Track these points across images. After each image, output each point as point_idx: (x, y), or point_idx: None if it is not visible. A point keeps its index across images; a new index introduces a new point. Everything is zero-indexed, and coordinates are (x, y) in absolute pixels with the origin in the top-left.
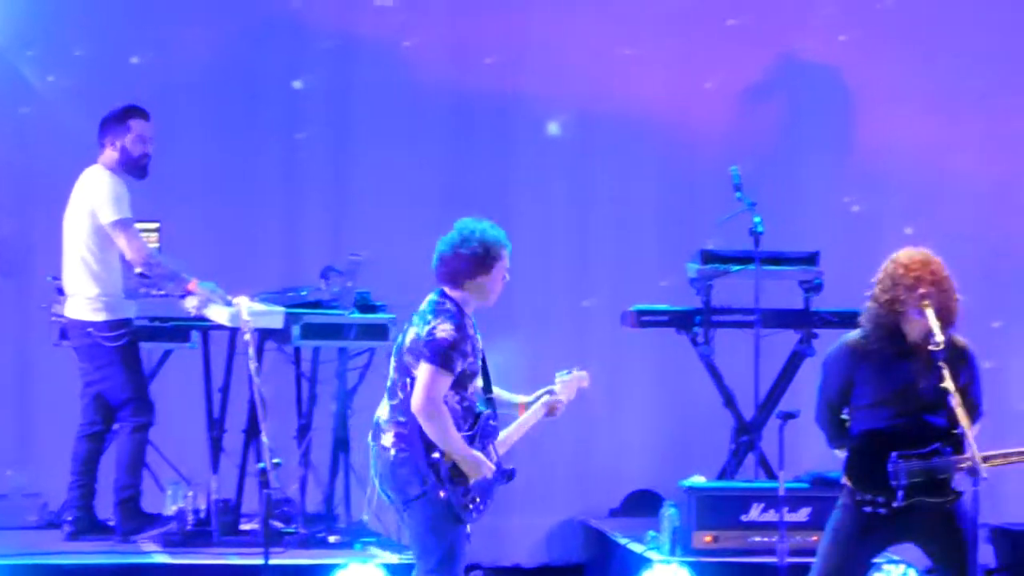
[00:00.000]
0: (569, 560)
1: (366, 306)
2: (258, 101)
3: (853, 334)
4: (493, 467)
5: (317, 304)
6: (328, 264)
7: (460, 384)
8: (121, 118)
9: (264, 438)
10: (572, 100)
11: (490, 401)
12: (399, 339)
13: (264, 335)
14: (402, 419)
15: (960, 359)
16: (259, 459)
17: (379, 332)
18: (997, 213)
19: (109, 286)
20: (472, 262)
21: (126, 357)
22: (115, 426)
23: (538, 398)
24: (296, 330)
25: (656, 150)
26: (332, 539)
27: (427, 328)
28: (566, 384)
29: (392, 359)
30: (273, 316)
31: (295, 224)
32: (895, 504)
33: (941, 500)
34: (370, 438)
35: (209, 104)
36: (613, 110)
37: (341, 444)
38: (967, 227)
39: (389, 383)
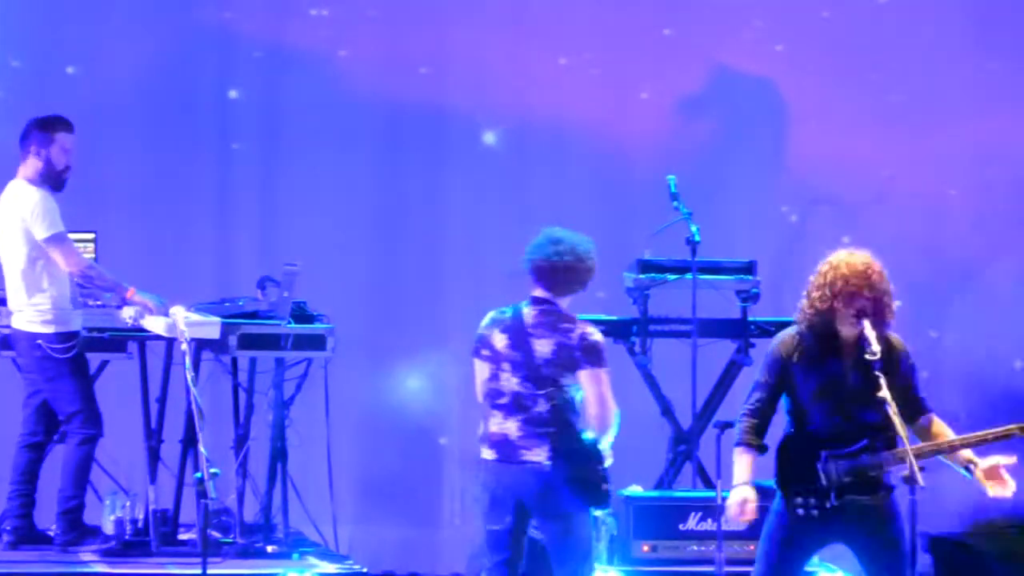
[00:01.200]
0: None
1: (303, 316)
2: (193, 111)
3: (788, 331)
4: None
5: (254, 314)
6: (264, 274)
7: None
8: (46, 128)
9: (201, 448)
10: (506, 110)
11: None
12: (512, 353)
13: (201, 345)
14: (553, 430)
15: (897, 360)
16: (196, 469)
17: (316, 342)
18: (930, 224)
19: (57, 298)
20: (590, 276)
21: (75, 369)
22: (57, 437)
23: None
24: (233, 340)
25: (591, 160)
26: (270, 549)
27: (577, 334)
28: None
29: (508, 372)
30: (210, 326)
31: (229, 234)
32: (828, 504)
33: (872, 497)
34: (491, 454)
35: (144, 114)
36: (548, 120)
37: (279, 454)
38: (901, 237)
39: (506, 400)
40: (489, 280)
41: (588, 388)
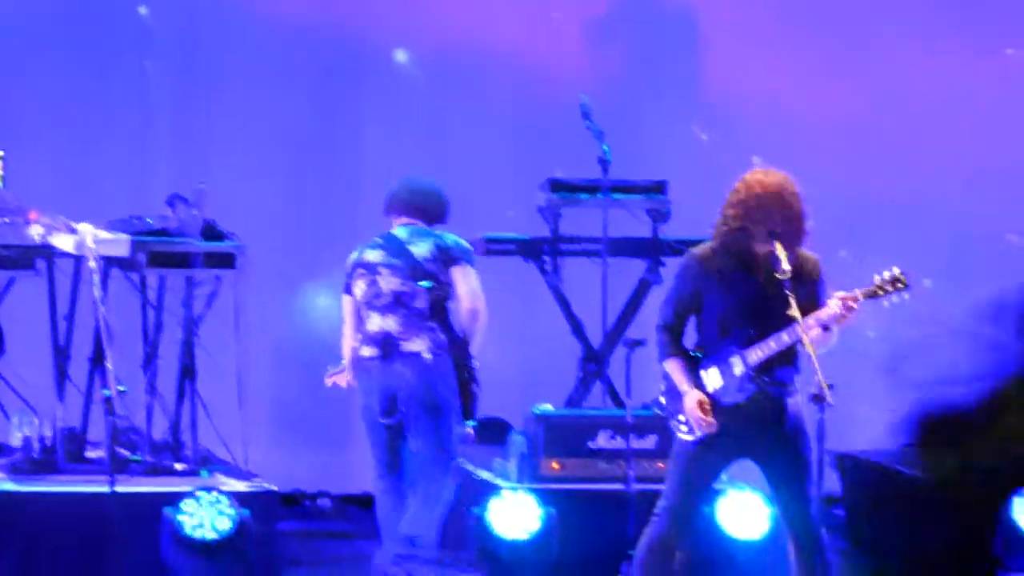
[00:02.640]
0: None
1: (213, 234)
2: (104, 27)
3: (703, 246)
4: None
5: (163, 232)
6: (174, 192)
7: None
8: None
9: (110, 366)
10: (420, 32)
11: None
12: (393, 259)
13: (110, 263)
14: (432, 324)
15: (809, 273)
16: (105, 387)
17: (226, 260)
18: (840, 146)
19: None
20: (444, 210)
21: None
22: None
23: None
24: (142, 258)
25: (505, 80)
26: (178, 467)
27: (448, 240)
28: None
29: (387, 274)
30: (119, 244)
31: (142, 153)
32: (735, 418)
33: (777, 412)
34: (370, 352)
35: (56, 31)
36: (461, 41)
37: (187, 372)
38: (810, 159)
39: (386, 300)
40: None
41: (461, 284)
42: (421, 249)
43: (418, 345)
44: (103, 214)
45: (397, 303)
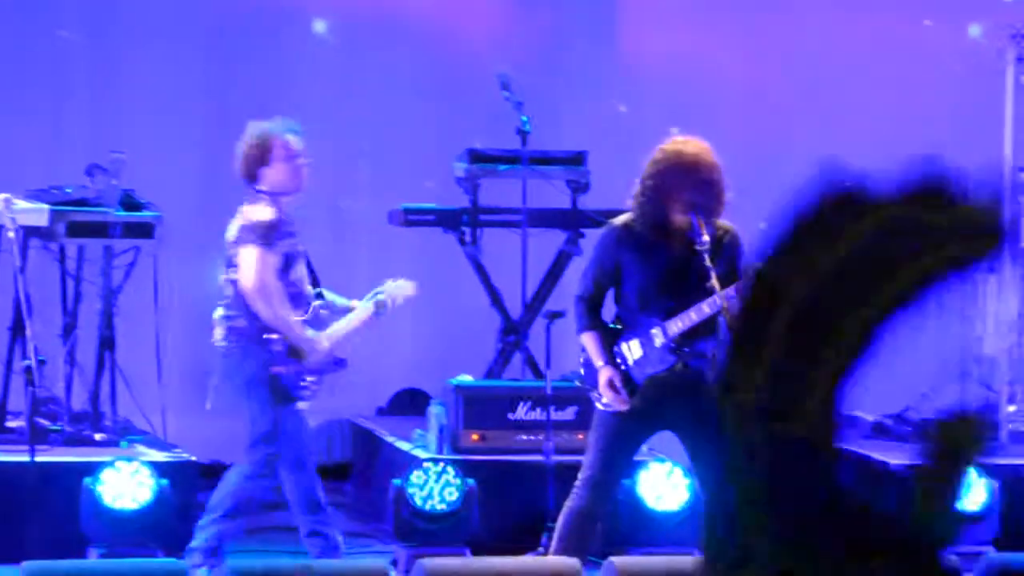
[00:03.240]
0: (336, 459)
1: (131, 204)
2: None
3: (621, 217)
4: (325, 349)
5: (82, 202)
6: (92, 162)
7: (286, 268)
8: None
9: (29, 336)
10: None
11: (320, 294)
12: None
13: (29, 233)
14: (232, 313)
15: (726, 246)
16: (24, 357)
17: (144, 230)
18: (759, 114)
19: None
20: (250, 158)
21: None
22: None
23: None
24: (61, 228)
25: (422, 49)
26: (98, 437)
27: (244, 215)
28: (397, 288)
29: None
30: (37, 213)
31: (57, 122)
32: (654, 389)
33: (696, 381)
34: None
35: None
36: (378, 8)
37: (106, 342)
38: (729, 128)
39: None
40: (317, 170)
41: (239, 265)
42: (230, 231)
43: (216, 336)
44: (20, 184)
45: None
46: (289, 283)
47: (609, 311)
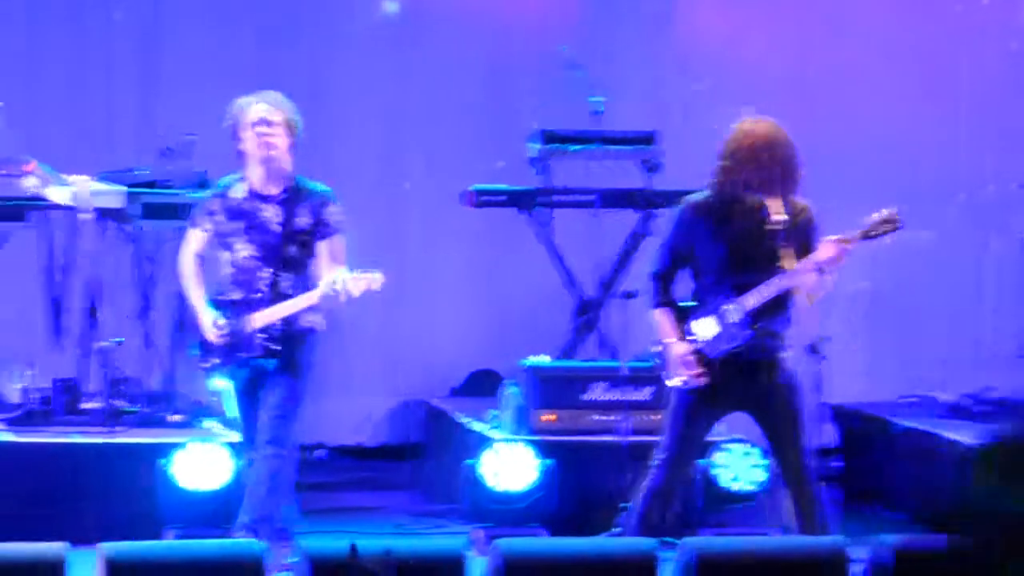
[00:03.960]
0: (411, 439)
1: (204, 185)
2: None
3: (697, 195)
4: (212, 328)
5: (156, 184)
6: (166, 144)
7: (224, 247)
8: None
9: (105, 318)
10: None
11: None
12: None
13: (104, 215)
14: None
15: (802, 221)
16: (100, 338)
17: None
18: (832, 93)
19: None
20: (230, 134)
21: None
22: None
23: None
24: (136, 210)
25: (484, 30)
26: (174, 418)
27: None
28: (354, 280)
29: None
30: (113, 196)
31: (114, 104)
32: (728, 369)
33: (770, 362)
34: None
35: None
36: None
37: (181, 323)
38: (802, 107)
39: None
40: (375, 151)
41: None
42: None
43: None
44: (94, 166)
45: None
46: (232, 263)
47: (684, 290)
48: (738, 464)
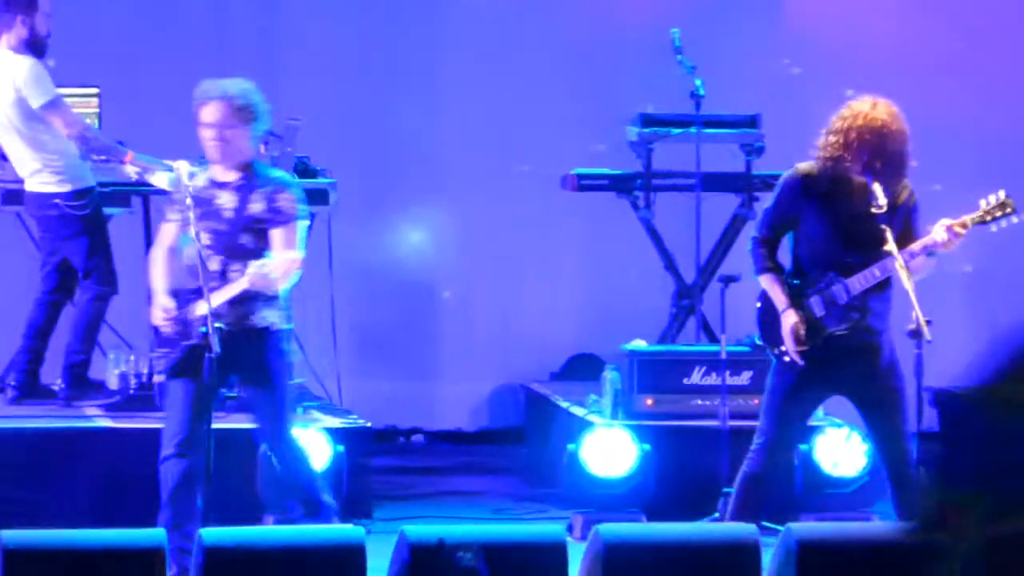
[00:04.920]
0: (510, 424)
1: (306, 171)
2: None
3: (805, 165)
4: (162, 315)
5: None
6: (267, 129)
7: (186, 235)
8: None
9: (206, 302)
10: None
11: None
12: None
13: None
14: None
15: (904, 203)
16: (202, 324)
17: (320, 197)
18: (932, 78)
19: (65, 155)
20: None
21: (92, 225)
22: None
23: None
24: None
25: (586, 12)
26: None
27: None
28: (276, 263)
29: None
30: None
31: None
32: (828, 347)
33: (871, 344)
34: None
35: None
36: None
37: None
38: (903, 90)
39: None
40: (479, 136)
41: None
42: None
43: None
44: (192, 150)
45: None
46: (190, 252)
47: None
48: (839, 449)
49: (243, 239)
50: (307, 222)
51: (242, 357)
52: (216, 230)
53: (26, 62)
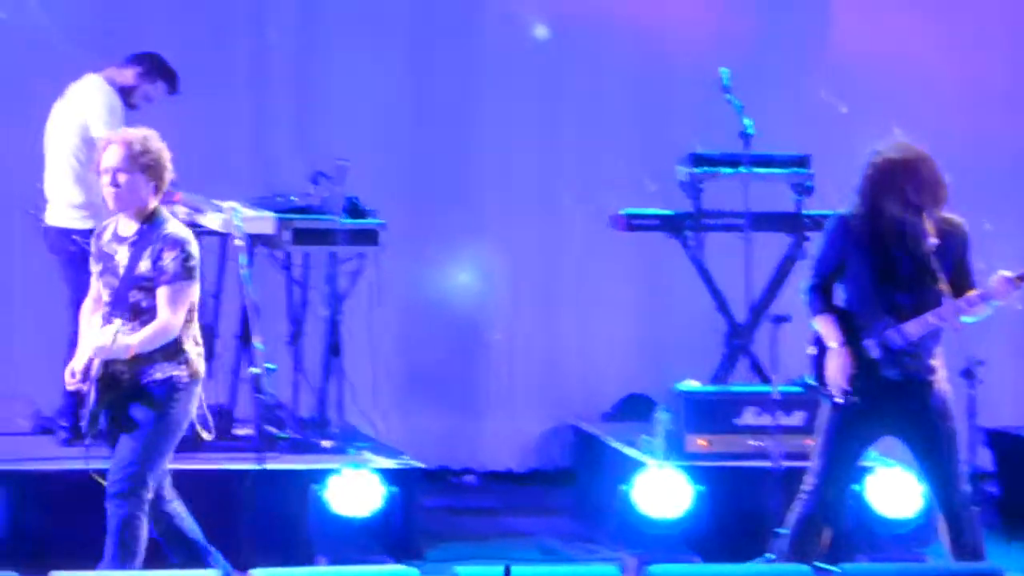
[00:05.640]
0: (561, 465)
1: (356, 211)
2: (228, 2)
3: (849, 210)
4: (68, 377)
5: (307, 209)
6: (317, 170)
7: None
8: (162, 73)
9: (256, 343)
10: (544, 3)
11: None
12: None
13: (255, 241)
14: None
15: (956, 240)
16: (252, 364)
17: (369, 237)
18: (983, 115)
19: (94, 194)
20: None
21: None
22: None
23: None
24: (287, 235)
25: (633, 50)
26: (325, 444)
27: None
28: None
29: None
30: (264, 221)
31: (265, 127)
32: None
33: (922, 385)
34: None
35: (180, 6)
36: (588, 7)
37: (333, 349)
38: (953, 129)
39: None
40: (525, 174)
41: None
42: None
43: None
44: (230, 191)
45: None
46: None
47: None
48: (893, 489)
49: (134, 296)
50: (194, 284)
51: (135, 410)
52: (113, 286)
53: (108, 93)
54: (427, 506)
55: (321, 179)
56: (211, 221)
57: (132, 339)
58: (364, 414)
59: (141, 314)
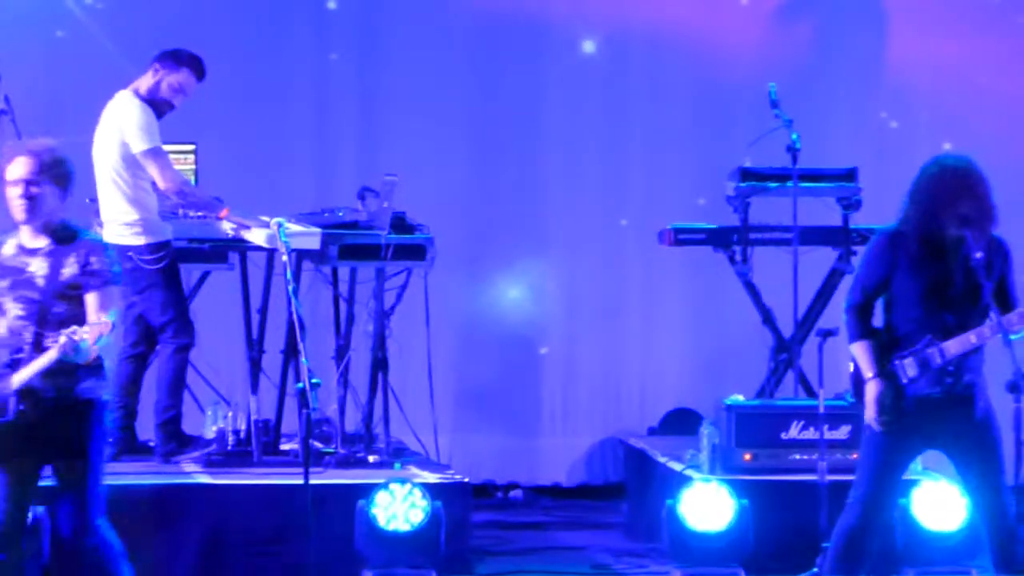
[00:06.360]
0: (608, 479)
1: (403, 226)
2: (291, 21)
3: (893, 228)
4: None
5: (354, 225)
6: (364, 185)
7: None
8: (179, 60)
9: (303, 358)
10: (603, 18)
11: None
12: None
13: (301, 256)
14: None
15: (999, 259)
16: (298, 379)
17: (416, 252)
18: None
19: (145, 209)
20: None
21: (167, 279)
22: (157, 348)
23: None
24: (333, 251)
25: (688, 67)
26: (371, 459)
27: None
28: (87, 330)
29: None
30: (310, 237)
31: (327, 145)
32: (924, 405)
33: (966, 400)
34: None
35: (242, 24)
36: (645, 28)
37: (379, 364)
38: (1000, 141)
39: None
40: (586, 188)
41: None
42: None
43: None
44: (292, 207)
45: None
46: (5, 324)
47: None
48: (938, 503)
49: (57, 307)
50: (119, 286)
51: (60, 432)
52: (29, 299)
53: (137, 107)
54: (475, 521)
55: (368, 194)
56: (256, 237)
57: (86, 339)
58: (411, 429)
59: (62, 323)
